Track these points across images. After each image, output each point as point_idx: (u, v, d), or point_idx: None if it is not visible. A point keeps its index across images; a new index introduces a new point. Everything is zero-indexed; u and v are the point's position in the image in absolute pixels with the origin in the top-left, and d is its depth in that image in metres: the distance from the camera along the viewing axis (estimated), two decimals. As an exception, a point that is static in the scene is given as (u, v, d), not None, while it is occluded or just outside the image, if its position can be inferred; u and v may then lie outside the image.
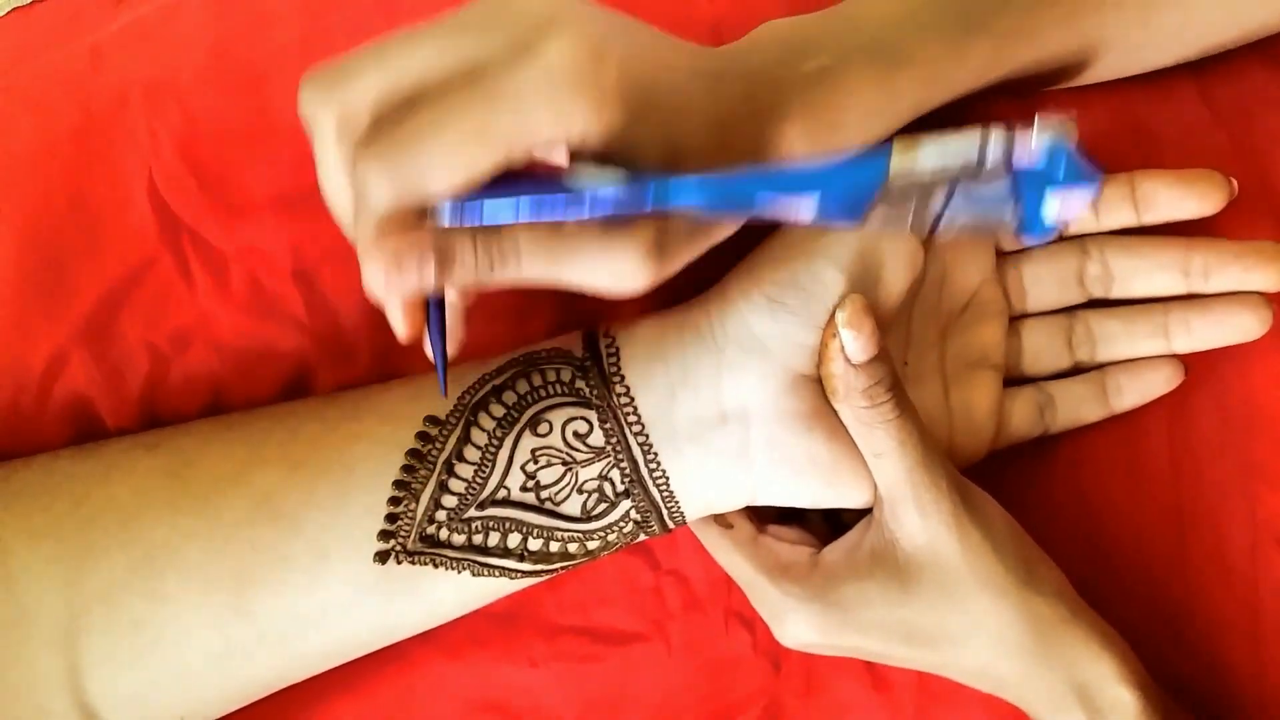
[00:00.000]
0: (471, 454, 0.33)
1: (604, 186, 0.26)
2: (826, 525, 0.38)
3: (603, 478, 0.34)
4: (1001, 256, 0.38)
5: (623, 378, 0.34)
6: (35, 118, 0.38)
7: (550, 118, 0.25)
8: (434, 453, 0.33)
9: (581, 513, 0.34)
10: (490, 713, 0.40)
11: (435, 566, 0.33)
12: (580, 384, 0.34)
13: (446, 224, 0.26)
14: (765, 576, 0.35)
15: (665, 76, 0.28)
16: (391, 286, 0.26)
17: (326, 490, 0.33)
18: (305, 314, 0.38)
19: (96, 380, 0.37)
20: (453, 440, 0.33)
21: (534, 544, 0.34)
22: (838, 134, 0.31)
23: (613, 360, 0.34)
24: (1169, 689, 0.35)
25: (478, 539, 0.33)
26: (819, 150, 0.31)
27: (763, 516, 0.38)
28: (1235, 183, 0.36)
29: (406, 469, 0.33)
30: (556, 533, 0.34)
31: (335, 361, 0.38)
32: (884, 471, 0.33)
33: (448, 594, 0.34)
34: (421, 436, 0.33)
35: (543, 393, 0.34)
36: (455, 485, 0.33)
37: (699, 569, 0.39)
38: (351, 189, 0.27)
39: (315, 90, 0.27)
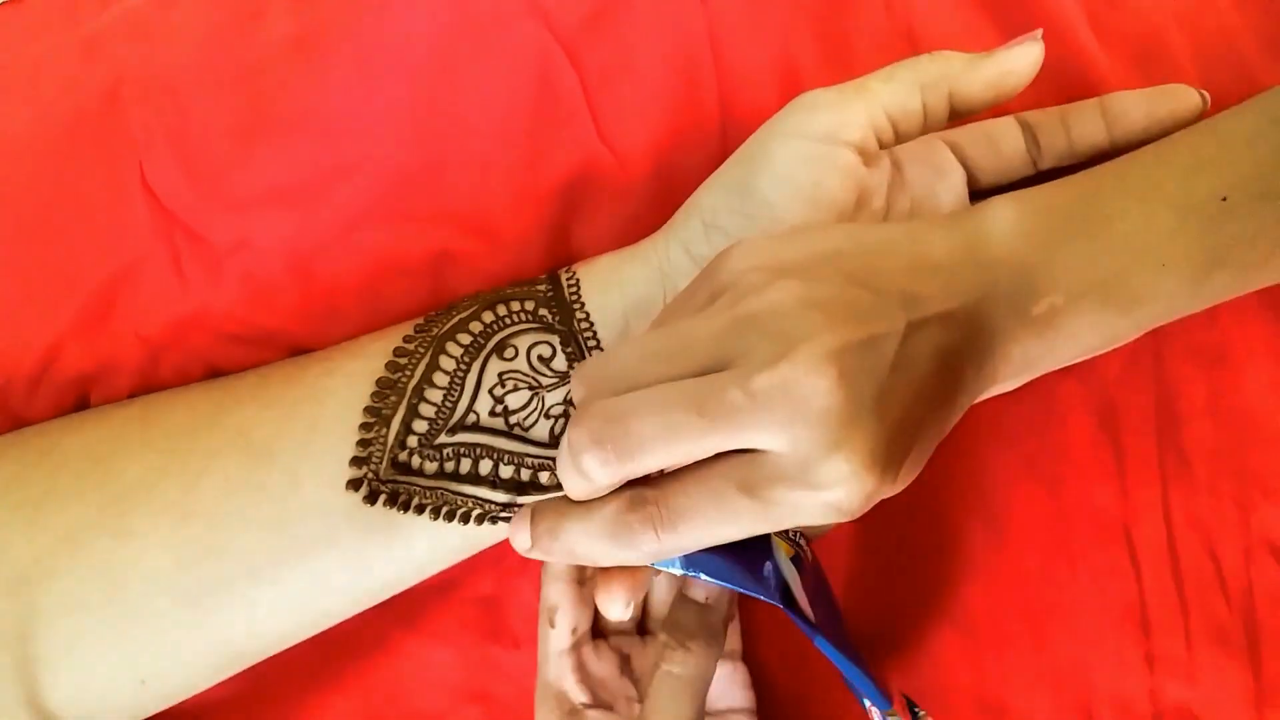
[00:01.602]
0: (440, 379, 0.34)
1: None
2: None
3: (568, 403, 0.34)
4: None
5: (583, 304, 0.35)
6: (27, 111, 0.39)
7: (816, 525, 0.29)
8: (404, 380, 0.34)
9: (550, 438, 0.34)
10: (478, 701, 0.40)
11: (409, 497, 0.34)
12: (543, 311, 0.35)
13: (678, 571, 0.30)
14: (543, 688, 0.38)
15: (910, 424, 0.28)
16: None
17: (299, 422, 0.34)
18: (298, 308, 0.39)
19: (88, 373, 0.38)
20: (421, 367, 0.34)
21: (505, 471, 0.34)
22: (1050, 363, 0.31)
23: (573, 290, 0.35)
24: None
25: (449, 466, 0.34)
26: (1028, 371, 0.31)
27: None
28: (1208, 95, 0.36)
29: (377, 395, 0.34)
30: (527, 459, 0.34)
31: None
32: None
33: (423, 533, 0.34)
34: (391, 365, 0.34)
35: (508, 320, 0.35)
36: (425, 410, 0.34)
37: None
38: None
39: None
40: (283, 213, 0.39)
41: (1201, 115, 0.36)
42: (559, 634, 0.38)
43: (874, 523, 0.37)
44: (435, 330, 0.35)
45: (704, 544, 0.29)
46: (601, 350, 0.34)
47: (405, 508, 0.34)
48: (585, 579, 0.39)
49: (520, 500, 0.35)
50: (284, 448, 0.34)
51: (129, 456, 0.34)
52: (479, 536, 0.35)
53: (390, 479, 0.34)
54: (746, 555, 0.30)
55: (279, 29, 0.40)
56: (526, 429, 0.34)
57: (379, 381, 0.34)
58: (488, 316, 0.35)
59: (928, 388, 0.28)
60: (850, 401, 0.26)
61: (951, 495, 0.41)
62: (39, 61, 0.40)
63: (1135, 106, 0.36)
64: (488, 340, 0.35)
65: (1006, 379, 0.31)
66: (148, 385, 0.39)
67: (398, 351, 0.35)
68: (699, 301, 0.30)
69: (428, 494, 0.34)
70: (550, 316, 0.35)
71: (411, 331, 0.35)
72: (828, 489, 0.27)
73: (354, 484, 0.33)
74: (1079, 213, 0.30)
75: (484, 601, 0.40)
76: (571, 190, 0.40)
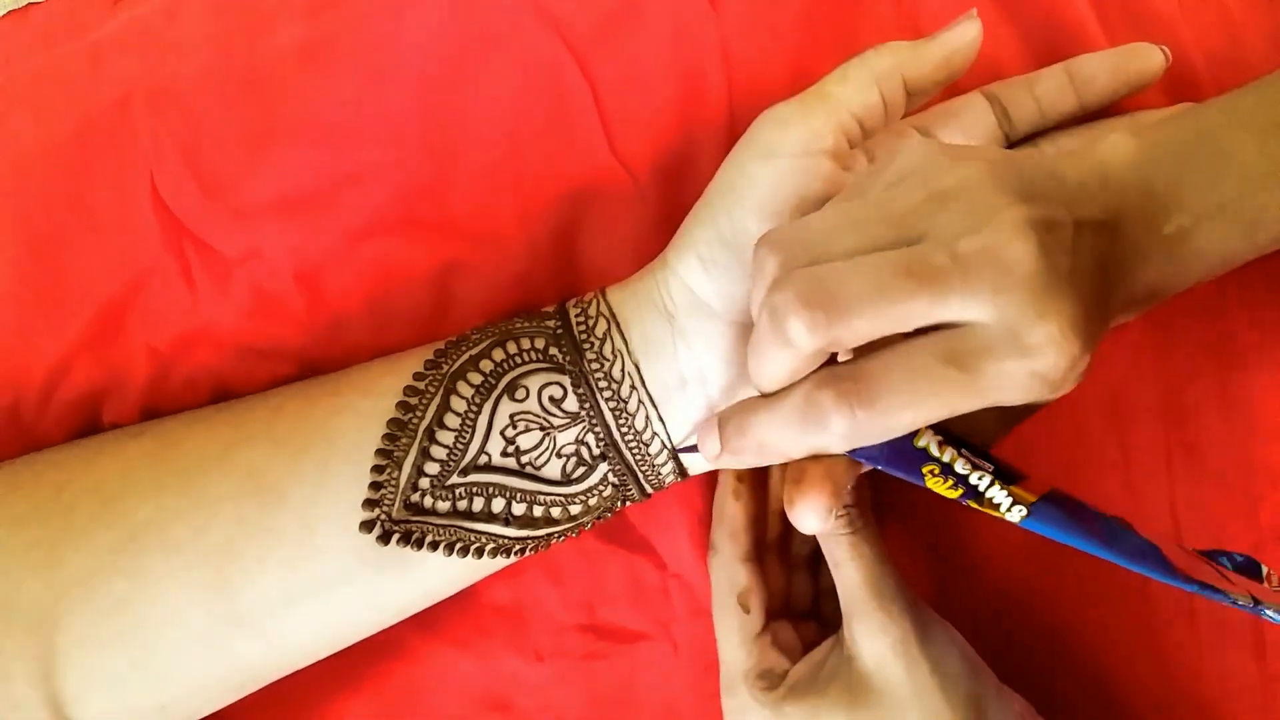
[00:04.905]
0: (452, 421, 0.34)
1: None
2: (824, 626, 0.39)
3: (579, 442, 0.35)
4: None
5: (593, 344, 0.35)
6: (34, 121, 0.38)
7: (1016, 403, 0.27)
8: (415, 421, 0.34)
9: (562, 476, 0.35)
10: (498, 710, 0.41)
11: (423, 535, 0.34)
12: (554, 350, 0.35)
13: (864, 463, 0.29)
14: (742, 675, 0.37)
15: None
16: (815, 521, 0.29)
17: (311, 463, 0.34)
18: (306, 317, 0.38)
19: (99, 386, 0.38)
20: (433, 408, 0.34)
21: (518, 508, 0.34)
22: (1177, 285, 0.32)
23: (582, 328, 0.35)
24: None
25: (462, 505, 0.34)
26: (1157, 294, 0.32)
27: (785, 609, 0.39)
28: (1169, 51, 0.37)
29: (388, 438, 0.34)
30: (540, 496, 0.35)
31: (336, 365, 0.39)
32: (842, 583, 0.35)
33: (437, 566, 0.35)
34: (402, 406, 0.34)
35: (518, 359, 0.35)
36: (437, 452, 0.34)
37: (703, 578, 0.40)
38: (800, 398, 0.28)
39: (789, 278, 0.28)
40: (291, 222, 0.38)
41: (1165, 72, 0.38)
42: (754, 618, 0.38)
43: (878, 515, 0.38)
44: (446, 367, 0.35)
45: (902, 423, 0.27)
46: (613, 391, 0.34)
47: (419, 545, 0.34)
48: (759, 555, 0.39)
49: (534, 534, 0.35)
50: (295, 490, 0.34)
51: (140, 497, 0.34)
52: (494, 563, 0.36)
53: (403, 519, 0.34)
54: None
55: (287, 37, 0.39)
56: (539, 468, 0.34)
57: (390, 423, 0.34)
58: (498, 354, 0.35)
59: (1095, 282, 0.29)
60: (1051, 269, 0.27)
61: None
62: (46, 72, 0.39)
63: (1101, 69, 0.37)
64: (499, 380, 0.34)
65: (1139, 300, 0.32)
66: (157, 399, 0.38)
67: (408, 390, 0.34)
68: (883, 184, 0.30)
69: (441, 531, 0.34)
70: (561, 356, 0.35)
71: (422, 368, 0.35)
72: (1036, 354, 0.27)
73: (367, 525, 0.33)
74: (1196, 147, 0.32)
75: (503, 610, 0.41)
76: (581, 201, 0.39)
